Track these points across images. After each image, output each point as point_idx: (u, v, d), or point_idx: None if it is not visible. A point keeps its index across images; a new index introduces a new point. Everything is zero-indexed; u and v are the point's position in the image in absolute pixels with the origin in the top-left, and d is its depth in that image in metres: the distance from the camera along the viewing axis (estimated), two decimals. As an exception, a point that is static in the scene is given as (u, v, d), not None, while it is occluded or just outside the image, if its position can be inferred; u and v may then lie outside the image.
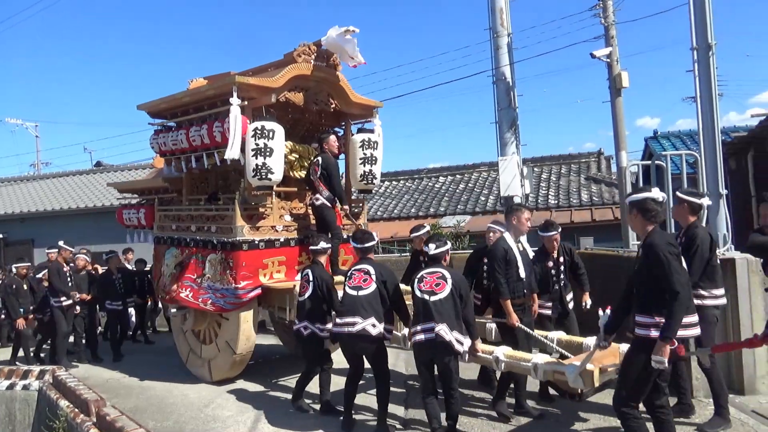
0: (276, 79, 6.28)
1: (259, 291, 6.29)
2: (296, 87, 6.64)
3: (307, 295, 5.34)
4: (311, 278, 5.36)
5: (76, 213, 16.21)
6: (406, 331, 5.15)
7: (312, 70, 6.63)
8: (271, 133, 6.04)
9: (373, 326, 4.61)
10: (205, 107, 6.71)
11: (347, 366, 5.00)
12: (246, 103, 6.09)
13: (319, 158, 6.47)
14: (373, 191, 13.47)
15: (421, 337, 4.33)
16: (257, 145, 5.98)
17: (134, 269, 10.16)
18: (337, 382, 5.39)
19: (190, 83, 7.78)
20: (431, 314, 4.29)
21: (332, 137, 6.72)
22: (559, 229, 5.66)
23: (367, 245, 5.09)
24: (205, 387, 6.52)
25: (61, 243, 8.51)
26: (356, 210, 7.37)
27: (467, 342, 4.42)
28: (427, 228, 6.89)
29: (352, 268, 5.01)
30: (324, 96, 6.98)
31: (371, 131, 7.19)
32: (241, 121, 5.94)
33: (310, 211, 7.11)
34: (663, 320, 3.25)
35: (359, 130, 7.28)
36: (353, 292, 4.77)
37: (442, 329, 4.21)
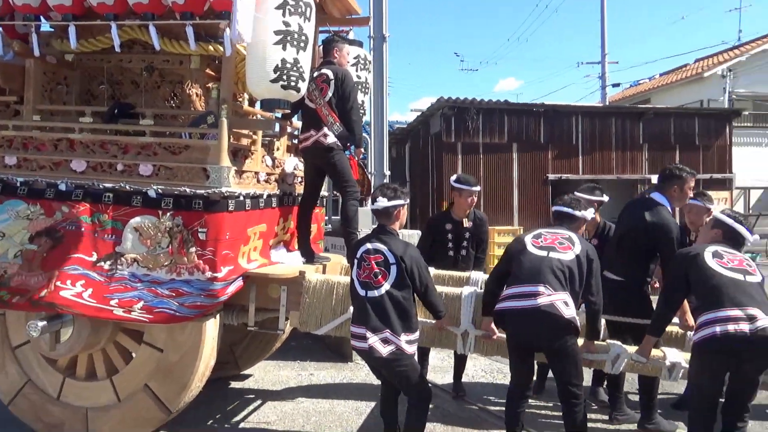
0: None
1: (241, 283, 3.66)
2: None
3: (386, 287, 3.16)
4: (392, 258, 3.20)
5: None
6: None
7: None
8: (307, 10, 3.46)
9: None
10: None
11: None
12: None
13: (329, 72, 4.03)
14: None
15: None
16: (286, 25, 3.34)
17: None
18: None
19: None
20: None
21: (347, 47, 4.30)
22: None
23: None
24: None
25: None
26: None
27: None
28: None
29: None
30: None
31: (360, 44, 4.96)
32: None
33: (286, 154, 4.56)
34: None
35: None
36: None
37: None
